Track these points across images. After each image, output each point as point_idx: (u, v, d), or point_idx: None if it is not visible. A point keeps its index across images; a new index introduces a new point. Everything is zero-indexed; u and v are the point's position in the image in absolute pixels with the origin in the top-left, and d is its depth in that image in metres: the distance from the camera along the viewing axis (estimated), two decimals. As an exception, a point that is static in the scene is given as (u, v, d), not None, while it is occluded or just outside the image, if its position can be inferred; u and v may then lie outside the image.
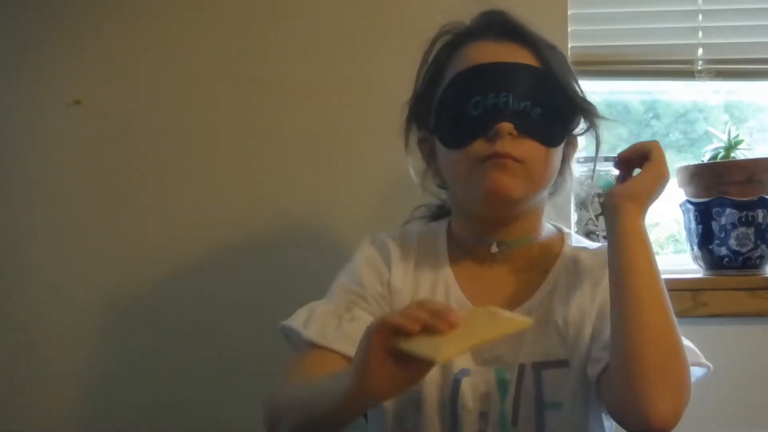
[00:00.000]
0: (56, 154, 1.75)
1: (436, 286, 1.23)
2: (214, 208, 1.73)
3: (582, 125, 1.25)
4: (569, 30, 1.69)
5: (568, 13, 1.70)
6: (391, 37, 1.71)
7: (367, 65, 1.72)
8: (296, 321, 1.20)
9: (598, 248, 1.26)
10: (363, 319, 1.18)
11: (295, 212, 1.72)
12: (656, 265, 1.09)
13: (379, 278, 1.24)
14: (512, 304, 1.19)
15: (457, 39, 1.24)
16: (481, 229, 1.24)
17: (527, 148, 1.15)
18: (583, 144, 1.31)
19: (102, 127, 1.75)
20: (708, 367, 1.16)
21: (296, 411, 1.07)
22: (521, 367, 1.16)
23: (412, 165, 1.29)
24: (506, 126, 1.14)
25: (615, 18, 1.78)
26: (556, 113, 1.18)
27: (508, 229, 1.22)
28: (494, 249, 1.22)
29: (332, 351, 1.15)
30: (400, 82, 1.26)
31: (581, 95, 1.23)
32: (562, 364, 1.15)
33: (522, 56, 1.18)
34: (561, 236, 1.28)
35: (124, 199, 1.74)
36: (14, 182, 1.75)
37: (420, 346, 0.89)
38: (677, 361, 1.03)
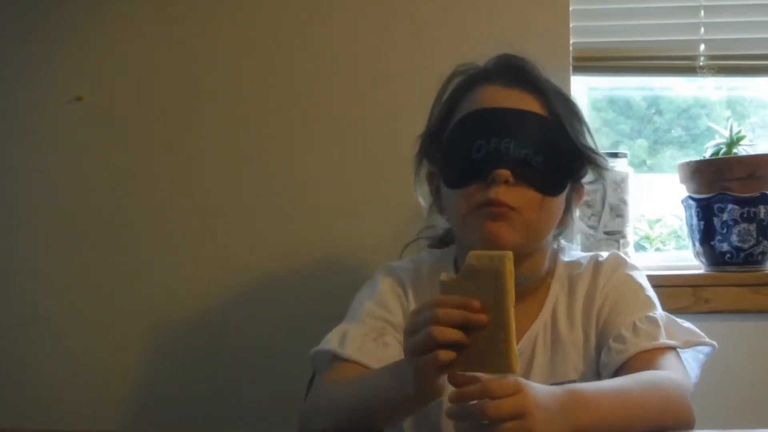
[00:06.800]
0: (57, 151, 1.74)
1: None
2: (215, 207, 1.72)
3: (590, 175, 1.26)
4: (571, 26, 1.69)
5: (570, 9, 1.69)
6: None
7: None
8: (331, 343, 1.21)
9: (586, 259, 1.27)
10: (394, 347, 1.20)
11: (301, 217, 1.71)
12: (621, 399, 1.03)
13: (402, 308, 1.26)
14: (519, 333, 1.19)
15: (470, 80, 1.25)
16: None
17: (523, 196, 1.17)
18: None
19: (104, 123, 1.74)
20: (713, 346, 1.18)
21: (339, 403, 1.11)
22: None
23: (422, 195, 1.32)
24: (504, 173, 1.15)
25: (617, 14, 1.77)
26: (559, 162, 1.19)
27: None
28: None
29: (370, 368, 1.17)
30: (424, 99, 1.29)
31: (589, 146, 1.23)
32: (570, 383, 1.17)
33: (529, 103, 1.19)
34: (555, 255, 1.29)
35: (125, 199, 1.73)
36: (14, 180, 1.75)
37: (475, 365, 0.93)
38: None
